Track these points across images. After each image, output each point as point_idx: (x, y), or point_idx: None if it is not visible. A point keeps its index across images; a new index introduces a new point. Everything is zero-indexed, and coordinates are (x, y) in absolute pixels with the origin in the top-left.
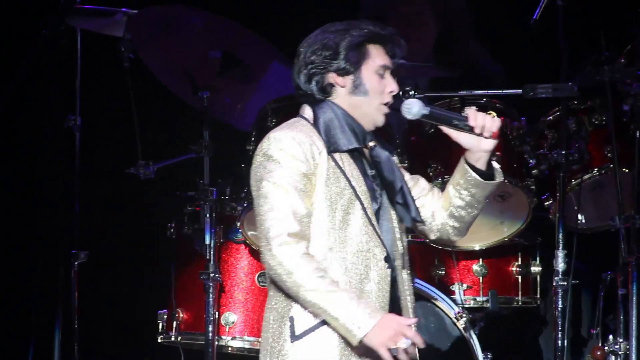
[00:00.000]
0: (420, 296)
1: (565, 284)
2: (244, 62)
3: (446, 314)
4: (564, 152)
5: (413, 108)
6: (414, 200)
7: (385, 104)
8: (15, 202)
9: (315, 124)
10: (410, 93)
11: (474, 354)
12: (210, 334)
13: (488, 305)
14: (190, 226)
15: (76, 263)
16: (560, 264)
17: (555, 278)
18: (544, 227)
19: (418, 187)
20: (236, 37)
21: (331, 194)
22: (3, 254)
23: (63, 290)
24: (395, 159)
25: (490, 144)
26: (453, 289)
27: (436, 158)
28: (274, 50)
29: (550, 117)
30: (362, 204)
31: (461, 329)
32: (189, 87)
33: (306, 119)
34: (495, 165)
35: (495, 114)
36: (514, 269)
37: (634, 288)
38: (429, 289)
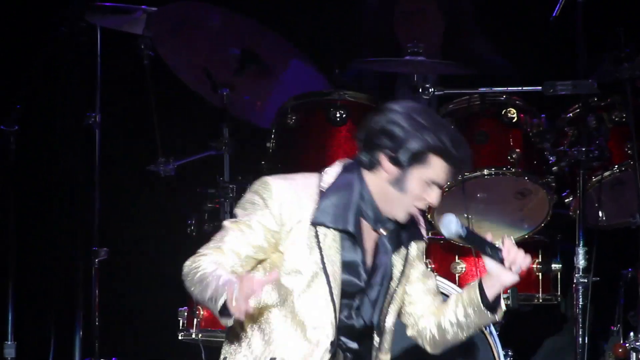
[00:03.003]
0: (441, 293)
1: (586, 281)
2: (262, 59)
3: None
4: (584, 149)
5: (451, 226)
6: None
7: (412, 211)
8: (35, 200)
9: (325, 190)
10: (430, 90)
11: (495, 351)
12: None
13: (508, 302)
14: (210, 223)
15: (97, 260)
16: (580, 261)
17: (576, 275)
18: (564, 224)
19: (423, 286)
20: (255, 34)
21: (297, 260)
22: (24, 252)
23: (84, 287)
24: (416, 247)
25: (512, 279)
26: None
27: None
28: (292, 48)
29: (570, 114)
30: (328, 281)
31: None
32: (208, 85)
33: (319, 181)
34: (503, 305)
35: (515, 111)
36: (534, 266)
37: None
38: (449, 286)
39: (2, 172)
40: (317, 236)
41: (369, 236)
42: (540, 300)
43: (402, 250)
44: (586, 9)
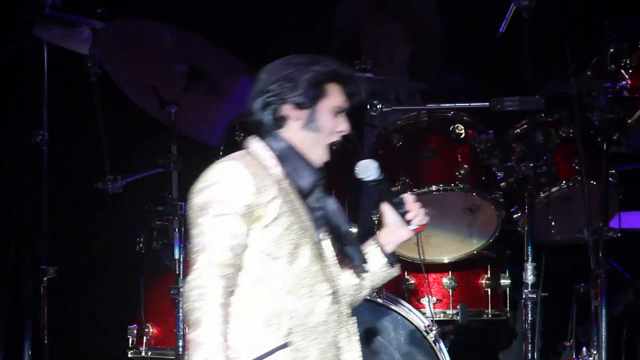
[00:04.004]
0: (390, 309)
1: (535, 296)
2: (210, 76)
3: (416, 327)
4: (531, 164)
5: (370, 170)
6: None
7: (332, 144)
8: None
9: (266, 157)
10: (378, 107)
11: None
12: (181, 349)
13: (458, 318)
14: (159, 241)
15: (45, 279)
16: (529, 277)
17: (525, 290)
18: (513, 240)
19: None
20: (203, 51)
21: (282, 230)
22: None
23: (32, 306)
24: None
25: (406, 236)
26: (423, 302)
27: (404, 171)
28: (240, 66)
29: (518, 130)
30: (311, 239)
31: (431, 342)
32: (156, 102)
33: (253, 154)
34: (397, 265)
35: (462, 127)
36: (483, 281)
37: (603, 300)
38: (398, 302)
39: None
40: (288, 199)
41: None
42: (490, 316)
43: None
44: (533, 25)
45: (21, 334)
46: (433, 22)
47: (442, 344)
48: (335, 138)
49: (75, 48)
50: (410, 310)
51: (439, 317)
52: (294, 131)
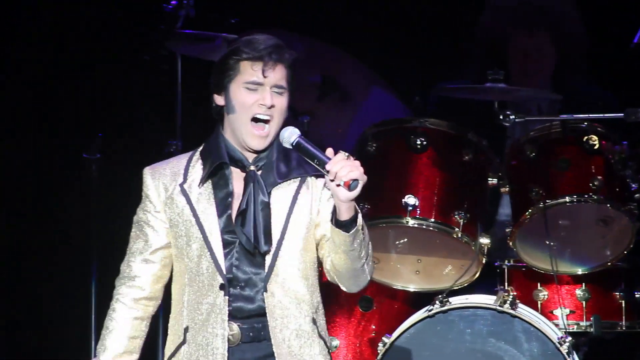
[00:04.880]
0: (523, 320)
1: None
2: (343, 87)
3: (549, 339)
4: None
5: (285, 133)
6: (266, 227)
7: (255, 119)
8: (116, 229)
9: (194, 155)
10: (511, 117)
11: None
12: None
13: (591, 329)
14: None
15: None
16: None
17: None
18: None
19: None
20: (336, 62)
21: (178, 224)
22: (104, 276)
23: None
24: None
25: (344, 194)
26: (556, 314)
27: (537, 182)
28: (373, 76)
29: None
30: (201, 228)
31: (564, 353)
32: (289, 112)
33: (198, 149)
34: (360, 220)
35: (596, 138)
36: (617, 293)
37: None
38: (531, 313)
39: (84, 200)
40: (184, 191)
41: (238, 178)
42: (624, 328)
43: (291, 183)
44: None
45: (87, 339)
46: (578, 31)
47: (575, 356)
48: (256, 111)
49: (210, 57)
50: (543, 321)
51: (572, 328)
52: (225, 118)
